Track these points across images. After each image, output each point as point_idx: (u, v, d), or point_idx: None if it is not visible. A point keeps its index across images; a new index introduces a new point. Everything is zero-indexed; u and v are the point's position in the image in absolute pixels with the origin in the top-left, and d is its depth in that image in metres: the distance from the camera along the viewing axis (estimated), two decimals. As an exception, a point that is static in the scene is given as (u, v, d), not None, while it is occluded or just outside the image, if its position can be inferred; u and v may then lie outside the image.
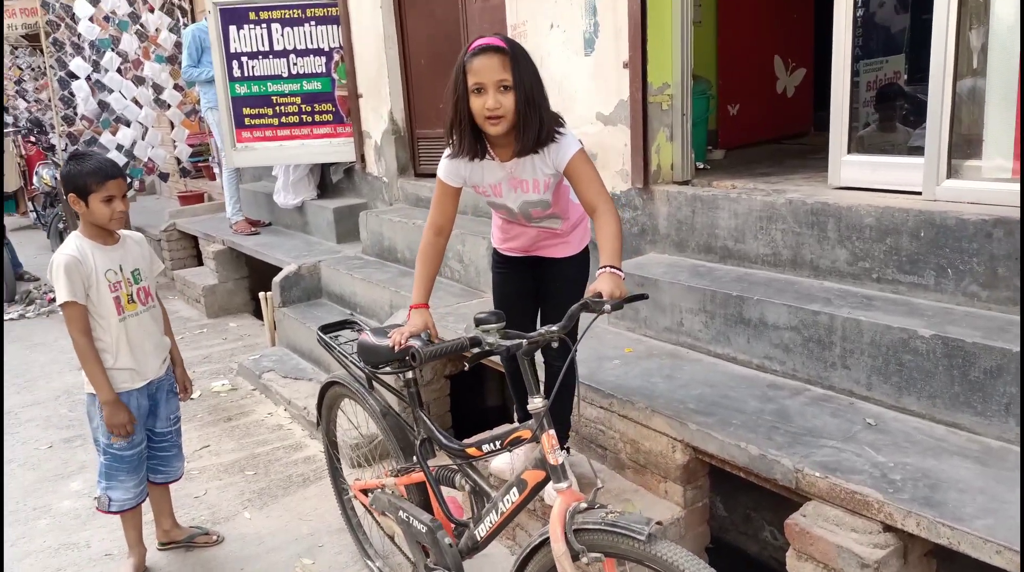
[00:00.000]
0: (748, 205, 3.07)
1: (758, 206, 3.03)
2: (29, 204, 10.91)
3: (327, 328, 2.74)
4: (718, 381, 2.76)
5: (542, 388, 1.90)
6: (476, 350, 1.88)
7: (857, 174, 2.93)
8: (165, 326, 2.94)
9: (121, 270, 2.72)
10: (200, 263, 7.31)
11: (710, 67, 4.48)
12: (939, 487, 1.96)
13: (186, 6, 8.70)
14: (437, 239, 2.33)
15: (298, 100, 5.90)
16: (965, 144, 2.60)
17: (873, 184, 2.87)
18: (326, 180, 6.47)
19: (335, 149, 5.96)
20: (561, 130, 2.16)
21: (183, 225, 7.57)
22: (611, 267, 1.97)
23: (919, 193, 2.67)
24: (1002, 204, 2.40)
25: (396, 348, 2.18)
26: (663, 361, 3.00)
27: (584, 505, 1.76)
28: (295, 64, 5.86)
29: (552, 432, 1.85)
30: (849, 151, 2.96)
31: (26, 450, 4.07)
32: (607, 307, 1.85)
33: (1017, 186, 2.40)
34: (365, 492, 2.66)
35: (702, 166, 3.92)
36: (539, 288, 2.55)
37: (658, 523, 1.66)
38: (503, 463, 2.68)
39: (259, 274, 6.34)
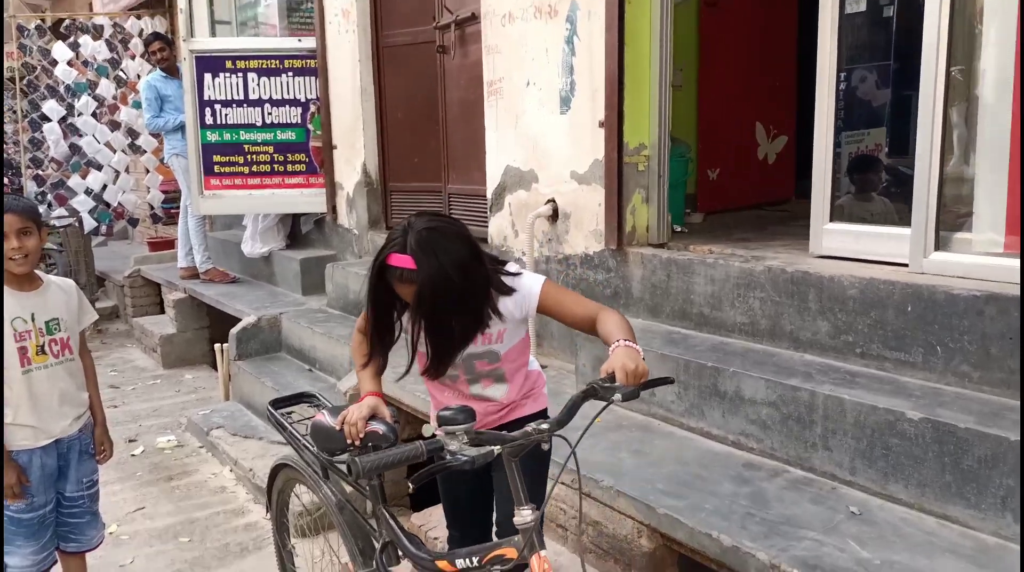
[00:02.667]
0: (725, 271, 2.92)
1: (735, 273, 2.88)
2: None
3: (279, 402, 2.42)
4: (691, 458, 2.55)
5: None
6: (442, 464, 1.52)
7: (839, 243, 2.80)
8: (89, 381, 2.68)
9: (33, 319, 2.46)
10: (163, 311, 7.05)
11: (690, 131, 4.40)
12: (932, 591, 1.76)
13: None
14: (362, 337, 2.02)
15: (271, 149, 5.77)
16: (954, 216, 2.47)
17: (856, 254, 2.73)
18: (296, 231, 6.29)
19: (306, 199, 5.81)
20: (509, 280, 1.85)
21: (147, 271, 7.34)
22: (625, 340, 1.67)
23: (905, 265, 2.54)
24: (994, 280, 2.26)
25: (349, 438, 1.87)
26: (633, 433, 2.80)
27: None
28: (270, 114, 5.74)
29: (544, 553, 1.56)
30: (831, 219, 2.84)
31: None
32: (617, 396, 1.56)
33: (1010, 261, 2.26)
34: None
35: (680, 229, 3.79)
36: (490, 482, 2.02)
37: None
38: None
39: (221, 325, 6.09)
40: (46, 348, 2.49)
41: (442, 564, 1.78)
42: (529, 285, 1.87)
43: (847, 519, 2.11)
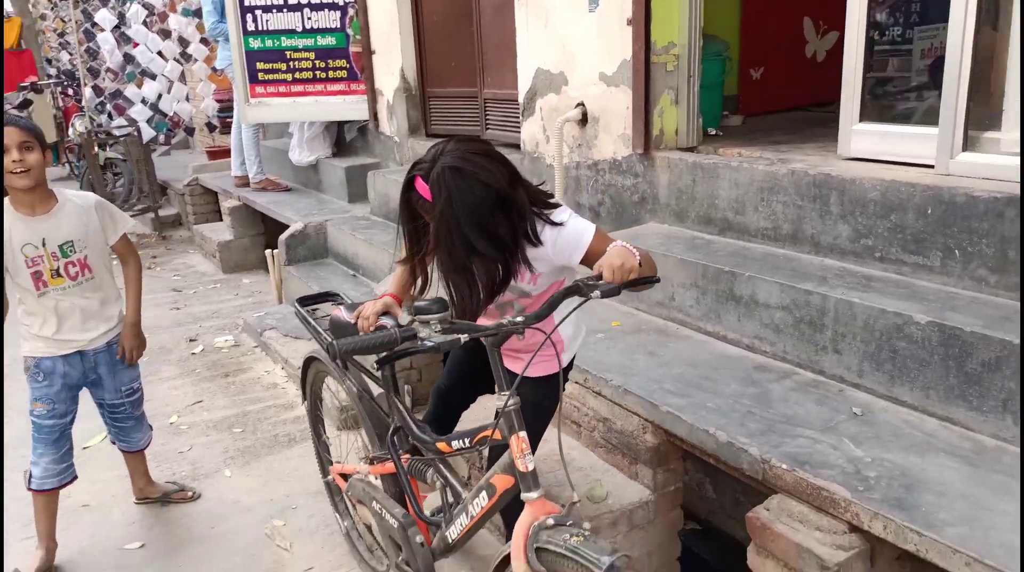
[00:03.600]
0: (750, 175, 2.88)
1: (760, 176, 2.83)
2: (65, 155, 11.05)
3: (305, 300, 2.57)
4: (703, 360, 2.61)
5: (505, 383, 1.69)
6: (406, 345, 1.65)
7: (868, 144, 2.71)
8: (129, 285, 2.78)
9: (44, 244, 2.49)
10: (221, 218, 7.31)
11: (732, 28, 4.23)
12: (916, 488, 1.80)
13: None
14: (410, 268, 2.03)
15: (312, 56, 5.79)
16: (984, 115, 2.36)
17: (884, 155, 2.65)
18: (341, 138, 6.38)
19: (348, 107, 5.85)
20: (549, 231, 1.79)
21: (205, 180, 7.58)
22: (623, 242, 1.71)
23: (932, 166, 2.46)
24: (1018, 181, 2.18)
25: (360, 331, 1.98)
26: (650, 337, 2.85)
27: (552, 521, 1.59)
28: (309, 18, 5.73)
29: (523, 434, 1.67)
30: (861, 119, 2.74)
31: (23, 400, 4.09)
32: (596, 293, 1.61)
33: (1037, 161, 2.18)
34: (344, 477, 2.56)
35: (714, 133, 3.71)
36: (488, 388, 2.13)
37: (626, 555, 1.48)
38: None
39: (276, 231, 6.31)
40: (61, 271, 2.53)
41: (441, 445, 1.92)
42: (575, 237, 1.79)
43: (848, 419, 2.15)
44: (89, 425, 3.69)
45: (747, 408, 2.24)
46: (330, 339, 2.21)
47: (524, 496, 1.65)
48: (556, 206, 1.85)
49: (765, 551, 1.90)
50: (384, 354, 1.68)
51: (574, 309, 1.77)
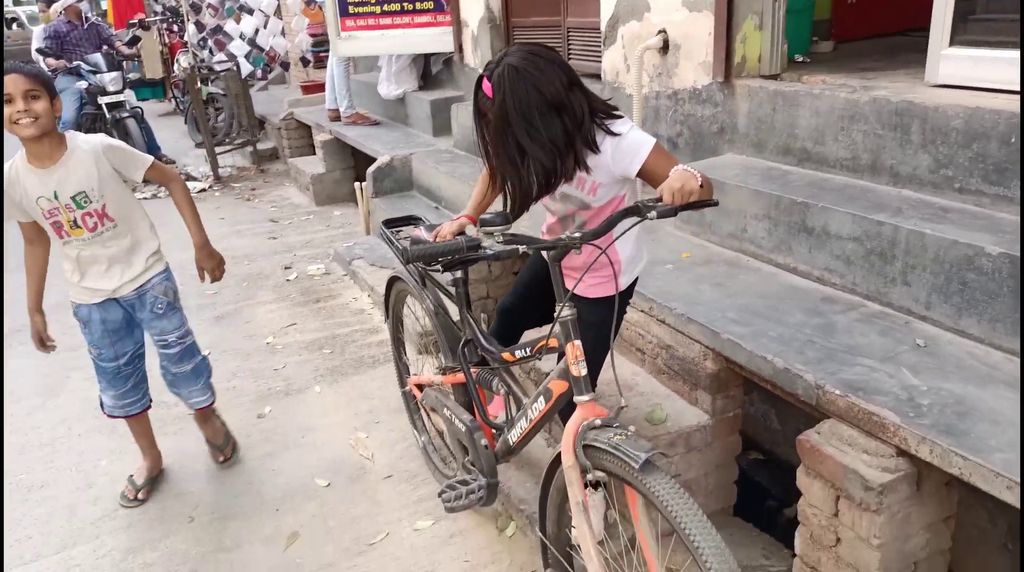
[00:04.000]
0: (830, 103, 2.80)
1: (840, 104, 2.75)
2: (171, 91, 11.61)
3: (391, 222, 2.77)
4: (770, 292, 2.62)
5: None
6: (474, 254, 1.76)
7: (957, 70, 2.59)
8: (185, 210, 2.68)
9: (56, 196, 2.40)
10: (314, 151, 7.59)
11: (827, -54, 4.01)
12: (969, 416, 1.80)
13: None
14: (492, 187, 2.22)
15: (401, -13, 5.84)
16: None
17: (974, 82, 2.53)
18: (428, 71, 6.46)
19: (434, 39, 5.90)
20: (608, 140, 1.85)
21: (300, 114, 7.84)
22: (684, 167, 1.76)
23: (1020, 92, 2.34)
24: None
25: (436, 242, 2.14)
26: (719, 268, 2.87)
27: (599, 421, 1.71)
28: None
29: (578, 342, 1.77)
30: (951, 44, 2.61)
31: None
32: (653, 214, 1.69)
33: None
34: (419, 388, 2.77)
35: (802, 59, 3.59)
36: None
37: (662, 453, 1.62)
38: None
39: (365, 165, 6.52)
40: (79, 222, 2.45)
41: (506, 355, 2.10)
42: (634, 148, 1.85)
43: (910, 350, 2.14)
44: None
45: (808, 337, 2.26)
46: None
47: (576, 399, 1.78)
48: (618, 117, 1.92)
49: (813, 472, 1.95)
50: (449, 259, 1.81)
51: (630, 227, 1.85)
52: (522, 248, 1.73)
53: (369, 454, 3.05)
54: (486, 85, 1.84)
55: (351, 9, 5.99)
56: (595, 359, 1.95)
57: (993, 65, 2.47)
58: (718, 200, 1.84)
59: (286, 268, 5.20)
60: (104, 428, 3.32)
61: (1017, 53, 2.40)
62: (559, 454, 1.81)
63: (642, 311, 2.71)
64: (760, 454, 3.23)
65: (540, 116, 1.79)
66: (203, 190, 7.35)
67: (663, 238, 3.21)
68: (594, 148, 1.87)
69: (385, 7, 5.95)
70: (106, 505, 2.83)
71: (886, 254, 2.37)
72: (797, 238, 2.70)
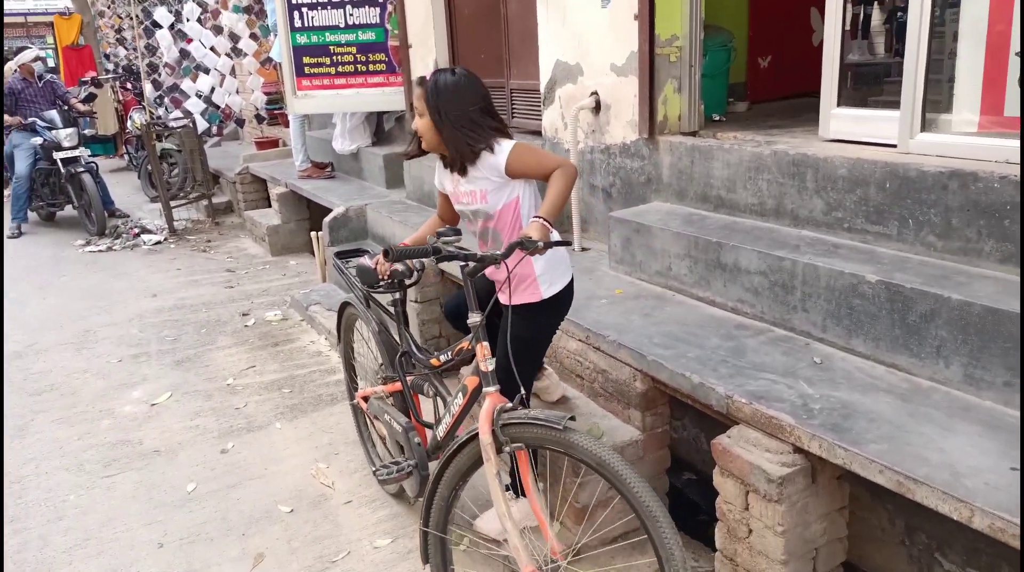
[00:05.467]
0: (739, 156, 3.19)
1: (747, 157, 3.15)
2: (124, 147, 11.72)
3: (342, 254, 3.12)
4: (691, 320, 2.95)
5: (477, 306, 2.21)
6: (437, 255, 2.16)
7: (844, 127, 3.01)
8: None
9: None
10: (268, 204, 7.82)
11: (741, 19, 4.50)
12: (852, 417, 2.13)
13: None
14: (437, 219, 2.74)
15: (353, 50, 6.21)
16: (940, 98, 2.65)
17: (858, 137, 2.94)
18: (380, 128, 6.79)
19: (387, 98, 6.26)
20: (494, 146, 2.36)
21: (255, 169, 8.08)
22: (542, 218, 2.22)
23: (896, 146, 2.75)
24: (963, 157, 2.47)
25: (379, 274, 2.53)
26: (647, 302, 3.20)
27: (509, 405, 2.06)
28: (351, 15, 6.14)
29: (486, 343, 2.15)
30: (839, 104, 3.03)
31: (99, 363, 4.62)
32: (540, 245, 2.11)
33: (981, 140, 2.46)
34: (365, 399, 3.05)
35: (719, 118, 4.02)
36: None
37: (571, 417, 1.95)
38: (491, 523, 2.66)
39: (319, 216, 6.77)
40: None
41: (433, 361, 2.51)
42: (501, 149, 2.34)
43: (808, 366, 2.48)
44: (156, 385, 4.21)
45: (722, 358, 2.58)
46: (357, 282, 2.82)
47: (485, 390, 2.15)
48: (504, 132, 2.41)
49: (726, 471, 2.25)
50: (397, 275, 2.53)
51: (519, 261, 2.24)
52: (470, 264, 2.16)
53: (330, 482, 3.24)
54: (417, 92, 2.39)
55: (307, 70, 6.34)
56: (524, 360, 2.24)
57: (872, 122, 2.89)
58: (570, 241, 2.36)
59: (244, 314, 5.38)
60: (71, 466, 3.44)
61: (888, 112, 2.82)
62: (456, 447, 2.15)
63: (579, 340, 3.01)
64: (693, 474, 3.52)
65: (451, 116, 2.33)
66: (158, 242, 7.49)
67: (600, 277, 3.53)
68: (475, 157, 2.34)
69: (340, 68, 6.30)
70: (77, 535, 2.95)
71: (787, 285, 2.73)
72: (714, 274, 3.05)
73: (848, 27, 3.00)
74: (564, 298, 2.53)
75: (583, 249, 3.96)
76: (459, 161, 2.39)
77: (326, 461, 3.41)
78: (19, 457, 3.56)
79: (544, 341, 2.56)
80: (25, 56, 8.45)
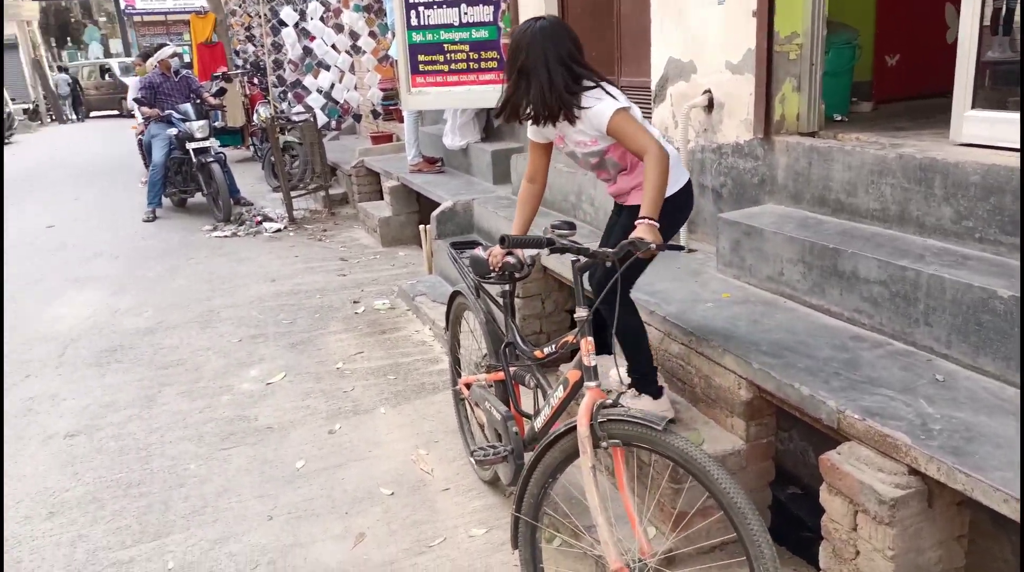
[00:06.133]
0: (861, 158, 3.04)
1: (870, 160, 3.00)
2: (249, 139, 12.38)
3: (456, 245, 3.22)
4: (802, 329, 2.84)
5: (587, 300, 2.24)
6: (551, 247, 2.21)
7: (977, 130, 2.81)
8: None
9: None
10: (381, 197, 8.07)
11: (867, 16, 4.28)
12: (975, 440, 2.00)
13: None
14: (529, 185, 2.74)
15: (466, 48, 6.30)
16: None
17: (992, 141, 2.75)
18: (490, 124, 6.88)
19: (497, 95, 6.30)
20: (588, 99, 2.40)
21: (370, 162, 8.36)
22: (648, 218, 2.22)
23: (1038, 151, 2.55)
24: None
25: (491, 265, 2.65)
26: (756, 308, 3.10)
27: (609, 401, 2.07)
28: (465, 13, 6.23)
29: (590, 338, 2.18)
30: (973, 106, 2.84)
31: (221, 341, 4.92)
32: (653, 247, 2.12)
33: None
34: (468, 386, 3.14)
35: (840, 119, 3.84)
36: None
37: (671, 420, 1.99)
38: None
39: (429, 209, 6.94)
40: None
41: (536, 352, 2.54)
42: (601, 111, 2.39)
43: (928, 384, 2.34)
44: (271, 365, 4.43)
45: (834, 370, 2.47)
46: (470, 272, 2.91)
47: (587, 385, 2.16)
48: (604, 80, 2.48)
49: (834, 489, 2.16)
50: (512, 265, 2.60)
51: (630, 261, 2.19)
52: (582, 258, 2.18)
53: (429, 469, 3.32)
54: (522, 31, 2.46)
55: (421, 67, 6.47)
56: (634, 267, 2.35)
57: (1009, 126, 2.69)
58: (683, 245, 2.23)
59: (354, 302, 5.58)
60: (192, 437, 3.68)
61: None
62: (552, 439, 2.18)
63: (682, 344, 2.96)
64: (798, 489, 3.40)
65: (545, 62, 2.38)
66: (278, 230, 7.88)
67: (706, 280, 3.46)
68: (577, 108, 2.41)
69: (452, 66, 6.41)
70: (195, 503, 3.16)
71: (910, 296, 2.58)
72: (829, 281, 2.92)
73: (988, 23, 2.80)
74: (683, 200, 2.65)
75: (689, 250, 3.88)
76: (558, 111, 2.42)
77: (426, 448, 3.50)
78: (146, 426, 3.84)
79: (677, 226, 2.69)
80: (164, 52, 9.07)
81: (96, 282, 6.32)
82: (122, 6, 31.77)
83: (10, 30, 26.10)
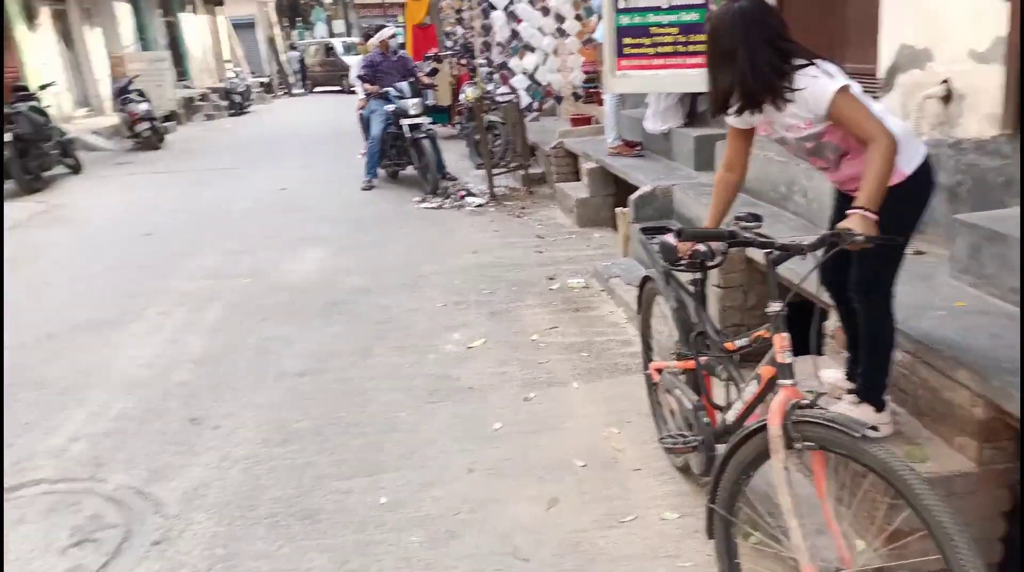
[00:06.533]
0: None
1: None
2: (456, 117, 12.98)
3: (647, 230, 3.24)
4: (1052, 348, 2.58)
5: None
6: (732, 241, 2.17)
7: None
8: None
9: None
10: (579, 178, 8.20)
11: None
12: None
13: (598, -59, 9.36)
14: (726, 174, 2.65)
15: (675, 31, 6.17)
16: None
17: None
18: (694, 109, 6.75)
19: (704, 79, 6.16)
20: (803, 78, 2.24)
21: (569, 144, 8.51)
22: (862, 209, 2.09)
23: None
24: None
25: (680, 252, 2.62)
26: (996, 320, 2.85)
27: (805, 401, 2.00)
28: (674, -6, 6.10)
29: (785, 334, 2.12)
30: None
31: (428, 305, 5.27)
32: (862, 238, 2.01)
33: None
34: (659, 371, 3.16)
35: (1113, 116, 3.41)
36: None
37: (873, 428, 1.86)
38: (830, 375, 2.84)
39: (625, 193, 6.96)
40: None
41: (727, 344, 2.49)
42: (820, 91, 2.22)
43: None
44: (472, 331, 4.70)
45: (1091, 393, 2.24)
46: (659, 258, 2.86)
47: (780, 382, 2.09)
48: (816, 57, 2.30)
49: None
50: (701, 254, 2.51)
51: (814, 268, 2.19)
52: (778, 241, 2.12)
53: (621, 447, 3.39)
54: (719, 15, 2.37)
55: (626, 50, 6.43)
56: (887, 261, 2.31)
57: None
58: (899, 239, 2.15)
59: (550, 278, 5.75)
60: (403, 388, 4.01)
61: None
62: (744, 435, 2.13)
63: (906, 351, 2.79)
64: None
65: (749, 44, 2.25)
66: (480, 205, 8.27)
67: (937, 286, 3.22)
68: (788, 90, 2.26)
69: (659, 49, 6.32)
70: (404, 448, 3.45)
71: None
72: (1089, 297, 2.63)
73: None
74: (925, 178, 2.42)
75: (916, 252, 3.63)
76: (766, 97, 2.31)
77: (618, 427, 3.57)
78: (364, 373, 4.21)
79: (908, 233, 2.41)
80: (384, 33, 9.76)
81: (321, 242, 6.97)
82: (346, -13, 34.13)
83: (249, 10, 28.96)
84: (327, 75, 28.63)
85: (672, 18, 6.19)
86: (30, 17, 13.82)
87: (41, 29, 14.30)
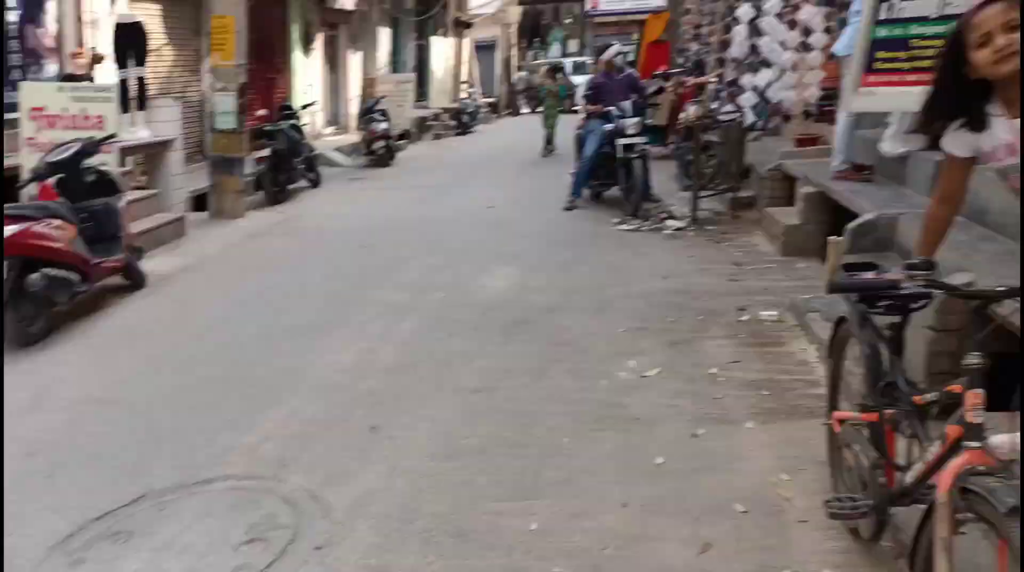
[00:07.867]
0: None
1: None
2: (671, 137, 12.72)
3: (850, 266, 2.93)
4: None
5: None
6: (894, 293, 2.00)
7: None
8: None
9: None
10: (791, 203, 7.67)
11: None
12: None
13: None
14: (941, 207, 2.38)
15: (939, 43, 5.47)
16: None
17: None
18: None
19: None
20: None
21: (788, 166, 7.95)
22: None
23: None
24: None
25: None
26: None
27: (983, 468, 1.77)
28: (948, 3, 5.34)
29: (979, 391, 1.87)
30: None
31: (608, 329, 5.19)
32: None
33: None
34: (841, 422, 2.88)
35: None
36: None
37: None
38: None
39: (842, 222, 6.36)
40: None
41: (916, 397, 2.25)
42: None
43: None
44: (649, 359, 4.57)
45: None
46: (854, 299, 2.64)
47: (965, 444, 1.88)
48: None
49: None
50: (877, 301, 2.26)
51: None
52: (936, 293, 1.93)
53: (789, 496, 3.13)
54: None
55: (877, 65, 5.80)
56: None
57: None
58: None
59: (740, 309, 5.44)
60: (569, 413, 3.99)
61: None
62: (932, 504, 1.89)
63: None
64: None
65: None
66: (679, 229, 8.06)
67: None
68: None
69: (915, 63, 5.61)
70: (561, 473, 3.42)
71: None
72: None
73: None
74: None
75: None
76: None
77: (789, 474, 3.30)
78: (534, 394, 4.26)
79: None
80: (608, 54, 9.96)
81: (516, 260, 7.16)
82: (587, 7, 34.73)
83: (493, 31, 30.50)
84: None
85: (939, 29, 5.45)
86: (307, 43, 15.64)
87: (313, 54, 16.10)
